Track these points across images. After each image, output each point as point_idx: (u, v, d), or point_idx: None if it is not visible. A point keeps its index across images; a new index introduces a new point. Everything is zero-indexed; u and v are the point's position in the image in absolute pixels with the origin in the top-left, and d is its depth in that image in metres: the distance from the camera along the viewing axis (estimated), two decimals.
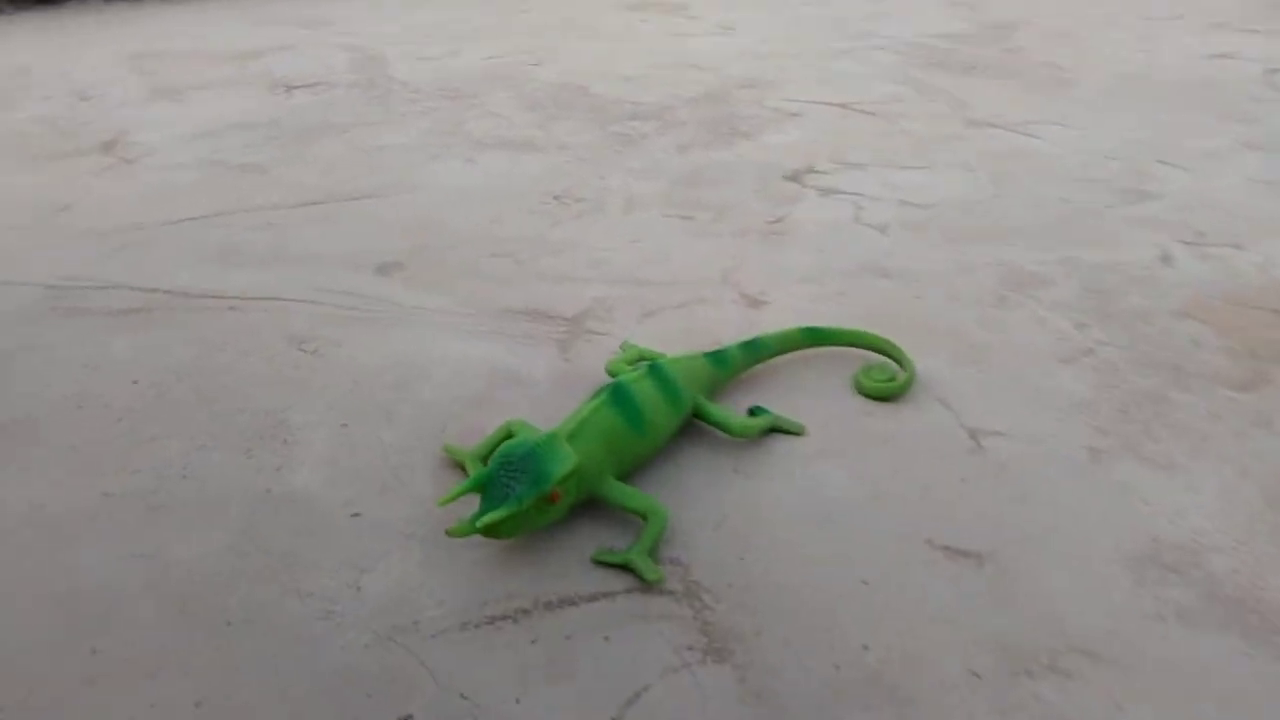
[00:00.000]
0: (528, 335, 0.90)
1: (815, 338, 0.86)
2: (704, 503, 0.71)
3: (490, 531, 0.61)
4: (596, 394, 0.71)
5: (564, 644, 0.60)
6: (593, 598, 0.63)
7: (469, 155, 1.29)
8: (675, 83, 1.59)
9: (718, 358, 0.80)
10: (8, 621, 0.61)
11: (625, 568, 0.64)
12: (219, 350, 0.88)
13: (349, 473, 0.73)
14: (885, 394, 0.81)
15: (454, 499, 0.63)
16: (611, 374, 0.79)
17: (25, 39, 1.73)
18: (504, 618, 0.61)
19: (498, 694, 0.56)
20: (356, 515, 0.69)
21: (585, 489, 0.67)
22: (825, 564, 0.65)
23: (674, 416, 0.74)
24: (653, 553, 0.65)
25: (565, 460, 0.63)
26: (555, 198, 1.18)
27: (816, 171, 1.26)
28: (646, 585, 0.64)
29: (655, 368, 0.74)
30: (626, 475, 0.71)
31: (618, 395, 0.70)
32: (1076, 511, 0.70)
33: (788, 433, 0.78)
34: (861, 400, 0.82)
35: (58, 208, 1.12)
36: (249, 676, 0.57)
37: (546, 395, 0.82)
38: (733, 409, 0.78)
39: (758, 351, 0.83)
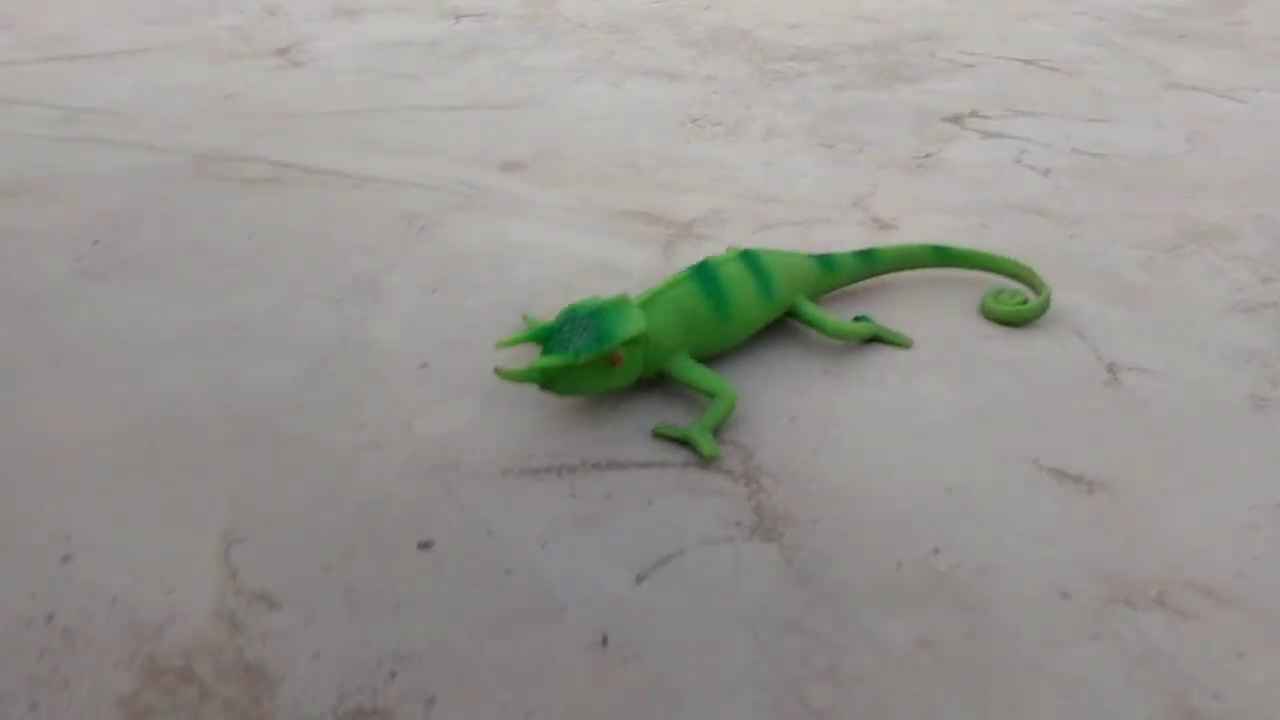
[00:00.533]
0: (635, 234, 0.87)
1: (943, 257, 0.77)
2: (782, 396, 0.65)
3: (545, 382, 0.58)
4: (687, 270, 0.66)
5: (603, 501, 0.56)
6: (644, 465, 0.59)
7: (615, 80, 1.27)
8: (844, 31, 1.52)
9: (826, 261, 0.73)
10: (81, 414, 0.63)
11: (684, 442, 0.59)
12: (333, 218, 0.89)
13: (426, 330, 0.72)
14: (1014, 318, 0.72)
15: (513, 344, 0.60)
16: None
17: None
18: (547, 469, 0.58)
19: (524, 535, 0.53)
20: (424, 366, 0.68)
21: (655, 362, 0.62)
22: (906, 469, 0.58)
23: (764, 307, 0.67)
24: (715, 432, 0.60)
25: (632, 323, 0.59)
26: (693, 120, 1.14)
27: (981, 116, 1.16)
28: (703, 461, 0.59)
29: (749, 254, 0.68)
30: (704, 359, 0.66)
31: (702, 272, 0.65)
32: (1224, 456, 0.59)
33: (892, 344, 0.70)
34: (985, 324, 0.74)
35: (224, 95, 1.19)
36: (283, 486, 0.57)
37: (639, 288, 0.78)
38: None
39: (873, 263, 0.75)
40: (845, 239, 0.86)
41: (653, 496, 0.56)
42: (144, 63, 1.30)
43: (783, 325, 0.73)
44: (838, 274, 0.74)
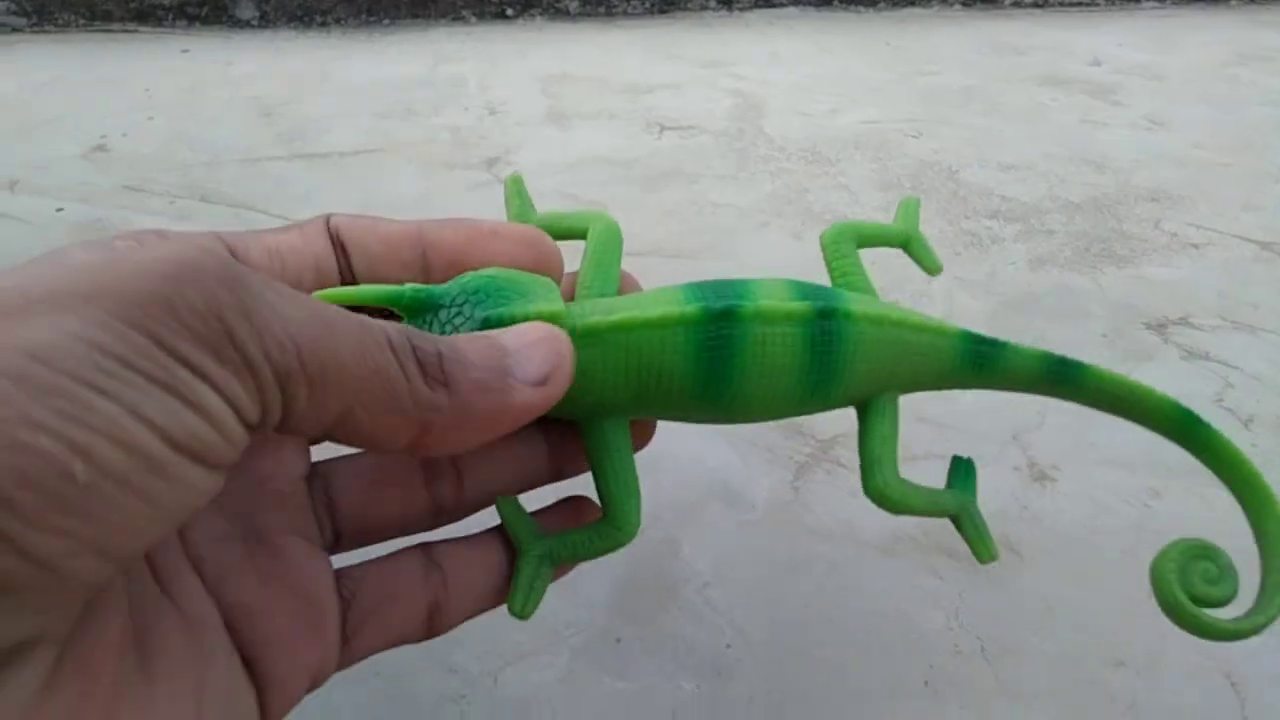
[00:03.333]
0: (768, 449, 0.86)
1: (1189, 432, 0.42)
2: (868, 711, 0.62)
3: None
4: (690, 293, 0.38)
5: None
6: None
7: (797, 230, 1.26)
8: (1062, 180, 1.42)
9: (981, 350, 0.41)
10: None
11: (514, 533, 0.38)
12: None
13: None
14: (1203, 625, 0.36)
15: (344, 299, 0.33)
16: None
17: (472, 49, 1.97)
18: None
19: None
20: None
21: (567, 411, 0.36)
22: None
23: (804, 398, 0.38)
24: (567, 561, 0.38)
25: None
26: None
27: (1190, 325, 1.05)
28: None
29: (829, 315, 0.37)
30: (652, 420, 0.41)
31: (712, 325, 0.36)
32: None
33: (972, 549, 0.44)
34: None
35: (425, 216, 1.27)
36: None
37: (761, 521, 0.77)
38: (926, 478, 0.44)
39: (1066, 383, 0.42)
40: (994, 487, 0.81)
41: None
42: (367, 166, 1.42)
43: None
44: (992, 376, 0.43)
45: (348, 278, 0.37)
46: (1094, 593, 0.72)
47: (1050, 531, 0.77)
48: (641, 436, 0.41)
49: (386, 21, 2.15)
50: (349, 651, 0.33)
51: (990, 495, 0.80)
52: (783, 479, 0.82)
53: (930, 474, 0.85)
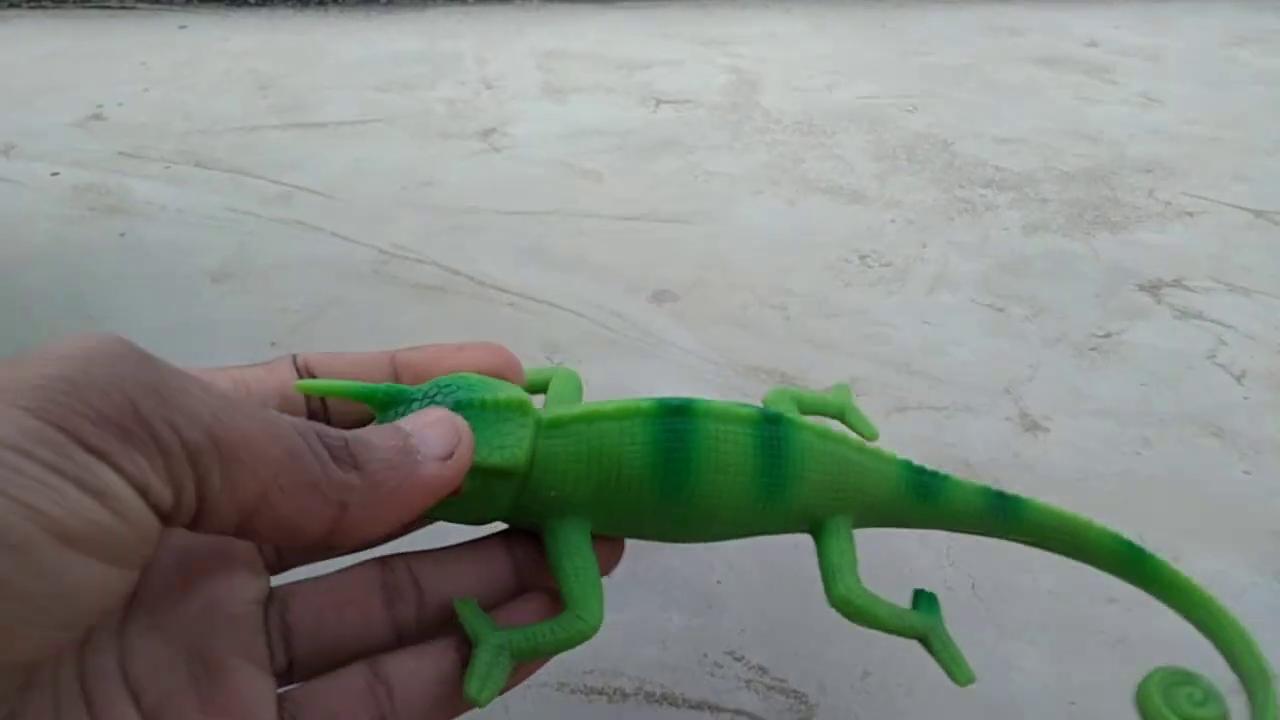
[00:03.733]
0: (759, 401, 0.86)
1: (1134, 567, 0.42)
2: (863, 641, 0.63)
3: None
4: (650, 402, 0.39)
5: None
6: (697, 705, 0.58)
7: (792, 197, 1.26)
8: (1057, 152, 1.42)
9: (923, 481, 0.42)
10: None
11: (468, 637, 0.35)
12: (483, 339, 0.94)
13: None
14: None
15: (324, 392, 0.35)
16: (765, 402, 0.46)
17: (469, 27, 1.97)
18: (600, 691, 0.59)
19: None
20: None
21: (530, 510, 0.38)
22: None
23: (756, 508, 0.39)
24: (529, 658, 0.36)
25: (493, 449, 0.35)
26: (861, 257, 1.11)
27: (1183, 287, 1.05)
28: (758, 709, 0.57)
29: (776, 420, 0.39)
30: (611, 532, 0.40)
31: (669, 419, 0.38)
32: None
33: (944, 667, 0.41)
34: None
35: (421, 182, 1.27)
36: None
37: None
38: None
39: (1007, 518, 0.42)
40: (984, 434, 0.82)
41: None
42: (363, 136, 1.42)
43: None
44: (935, 509, 0.42)
45: (316, 404, 0.36)
46: None
47: (1042, 478, 0.77)
48: (611, 556, 0.40)
49: (384, 1, 2.14)
50: None
51: (982, 445, 0.81)
52: None
53: (922, 423, 0.86)
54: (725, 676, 0.60)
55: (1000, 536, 0.43)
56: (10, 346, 0.83)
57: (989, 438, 0.82)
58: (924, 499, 0.42)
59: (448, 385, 0.36)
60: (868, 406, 0.85)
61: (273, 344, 0.93)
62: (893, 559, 0.68)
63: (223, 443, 0.23)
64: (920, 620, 0.41)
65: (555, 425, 0.37)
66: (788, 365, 0.91)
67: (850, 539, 0.41)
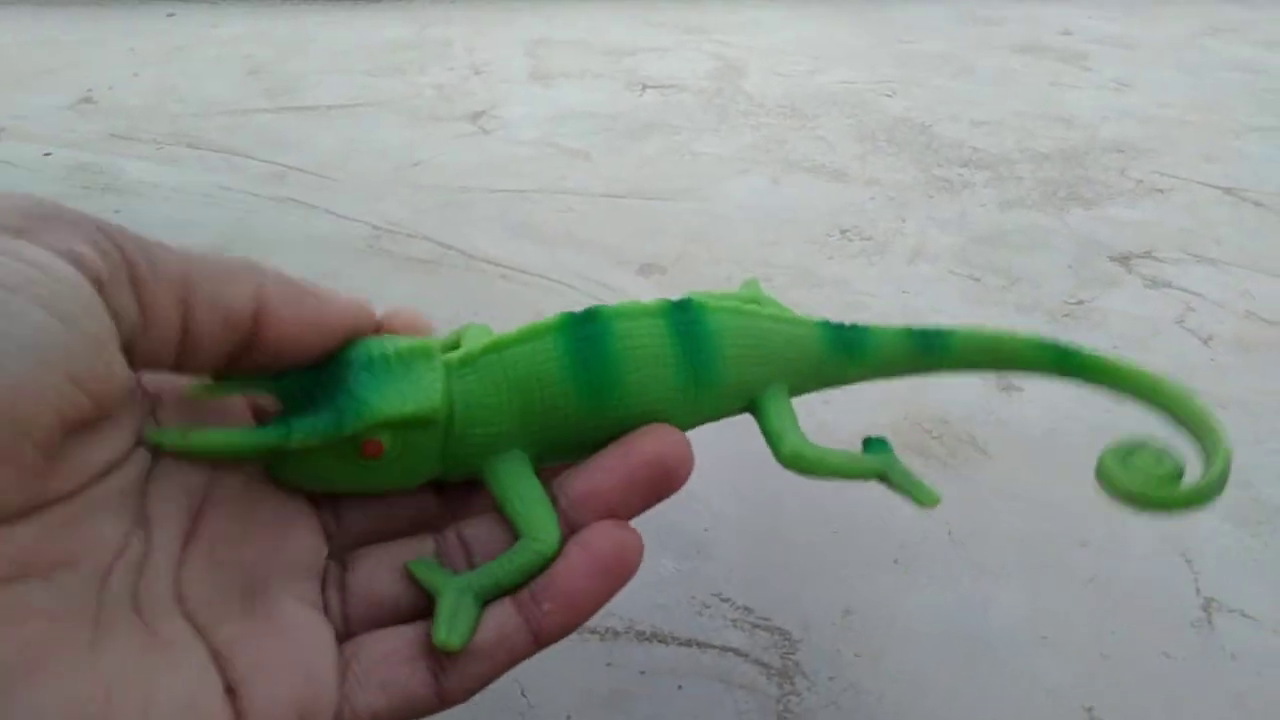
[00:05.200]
0: None
1: (1063, 363, 0.41)
2: (842, 581, 0.66)
3: (271, 466, 0.34)
4: (555, 317, 0.38)
5: (637, 677, 0.59)
6: (685, 642, 0.61)
7: (776, 175, 1.29)
8: (1031, 134, 1.46)
9: (844, 336, 0.41)
10: None
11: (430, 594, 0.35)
12: (476, 311, 0.96)
13: None
14: (1153, 498, 0.35)
15: (215, 393, 0.31)
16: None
17: (458, 14, 1.99)
18: (593, 630, 0.62)
19: (556, 704, 0.57)
20: None
21: (461, 458, 0.37)
22: (953, 696, 0.58)
23: (687, 394, 0.39)
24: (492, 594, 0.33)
25: (408, 396, 0.34)
26: (842, 232, 1.14)
27: (1154, 258, 1.09)
28: (744, 646, 0.60)
29: (684, 306, 0.39)
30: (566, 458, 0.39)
31: (578, 327, 0.38)
32: None
33: (908, 496, 0.39)
34: (1090, 501, 0.69)
35: (412, 162, 1.30)
36: None
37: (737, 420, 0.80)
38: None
39: (937, 352, 0.42)
40: (956, 396, 0.85)
41: (684, 679, 0.58)
42: (354, 119, 1.44)
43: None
44: (864, 360, 0.42)
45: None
46: (1058, 485, 0.75)
47: (1016, 434, 0.81)
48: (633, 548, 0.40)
49: None
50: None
51: (958, 404, 0.84)
52: None
53: (901, 383, 0.88)
54: (713, 616, 0.63)
55: (931, 372, 0.42)
56: None
57: (966, 398, 0.85)
58: (850, 353, 0.41)
59: (347, 354, 0.34)
60: None
61: None
62: (869, 508, 0.71)
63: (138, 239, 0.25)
64: (875, 459, 0.41)
65: (465, 363, 0.36)
66: None
67: (788, 403, 0.40)
